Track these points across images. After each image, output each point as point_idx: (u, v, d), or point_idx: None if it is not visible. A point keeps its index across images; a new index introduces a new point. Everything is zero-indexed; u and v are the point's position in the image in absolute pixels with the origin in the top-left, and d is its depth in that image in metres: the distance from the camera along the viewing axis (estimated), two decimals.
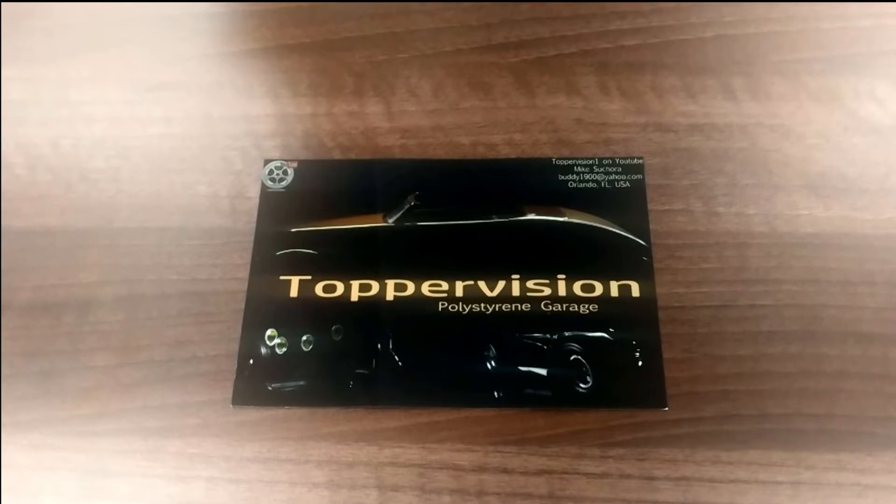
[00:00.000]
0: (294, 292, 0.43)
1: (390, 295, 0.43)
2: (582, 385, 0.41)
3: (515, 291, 0.43)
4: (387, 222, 0.45)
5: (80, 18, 0.53)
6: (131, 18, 0.52)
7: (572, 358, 0.41)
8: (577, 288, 0.43)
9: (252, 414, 0.41)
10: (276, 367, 0.42)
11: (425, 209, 0.45)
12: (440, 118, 0.48)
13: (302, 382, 0.41)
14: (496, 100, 0.49)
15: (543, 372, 0.41)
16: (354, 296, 0.43)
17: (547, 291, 0.43)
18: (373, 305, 0.43)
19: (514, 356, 0.41)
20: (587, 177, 0.46)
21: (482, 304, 0.42)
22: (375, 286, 0.43)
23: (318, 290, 0.43)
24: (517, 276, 0.43)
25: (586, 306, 0.42)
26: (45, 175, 0.48)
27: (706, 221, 0.45)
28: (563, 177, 0.46)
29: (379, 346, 0.42)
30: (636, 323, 0.42)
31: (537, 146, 0.47)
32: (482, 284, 0.43)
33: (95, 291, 0.44)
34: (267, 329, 0.42)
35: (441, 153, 0.47)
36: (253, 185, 0.47)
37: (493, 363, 0.41)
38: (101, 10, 0.53)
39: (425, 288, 0.43)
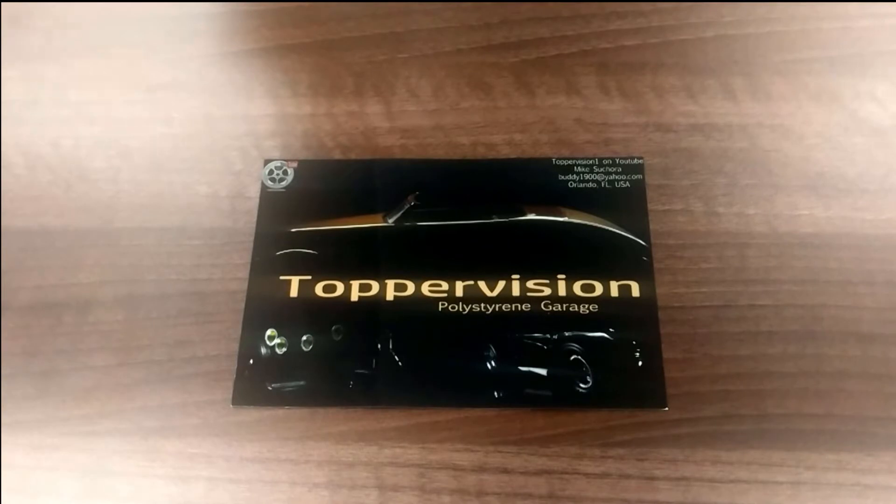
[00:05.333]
0: (294, 292, 0.43)
1: (390, 295, 0.43)
2: (582, 385, 0.41)
3: (515, 291, 0.43)
4: (387, 222, 0.45)
5: (80, 18, 0.53)
6: (131, 18, 0.52)
7: (572, 358, 0.41)
8: (577, 288, 0.43)
9: (252, 414, 0.41)
10: (276, 367, 0.42)
11: (425, 209, 0.45)
12: (440, 118, 0.48)
13: (302, 382, 0.41)
14: (496, 100, 0.49)
15: (543, 372, 0.41)
16: (354, 296, 0.43)
17: (547, 291, 0.43)
18: (373, 305, 0.43)
19: (514, 356, 0.41)
20: (587, 177, 0.46)
21: (482, 304, 0.42)
22: (375, 286, 0.43)
23: (318, 290, 0.43)
24: (517, 276, 0.43)
25: (586, 306, 0.42)
26: (45, 175, 0.48)
27: (706, 221, 0.45)
28: (563, 177, 0.46)
29: (379, 346, 0.42)
30: (636, 323, 0.42)
31: (537, 146, 0.47)
32: (482, 284, 0.43)
33: (95, 291, 0.44)
34: (267, 329, 0.42)
35: (441, 153, 0.47)
36: (253, 185, 0.47)
37: (493, 363, 0.41)
38: (101, 10, 0.53)
39: (425, 288, 0.43)
